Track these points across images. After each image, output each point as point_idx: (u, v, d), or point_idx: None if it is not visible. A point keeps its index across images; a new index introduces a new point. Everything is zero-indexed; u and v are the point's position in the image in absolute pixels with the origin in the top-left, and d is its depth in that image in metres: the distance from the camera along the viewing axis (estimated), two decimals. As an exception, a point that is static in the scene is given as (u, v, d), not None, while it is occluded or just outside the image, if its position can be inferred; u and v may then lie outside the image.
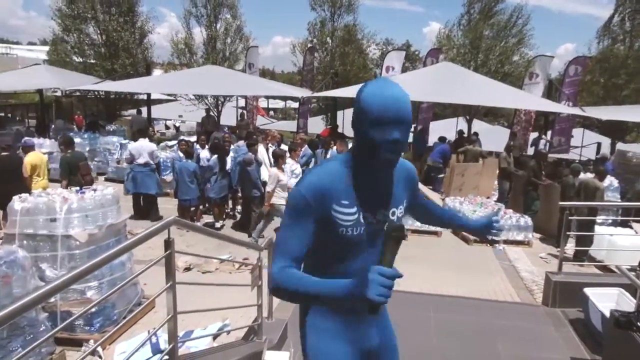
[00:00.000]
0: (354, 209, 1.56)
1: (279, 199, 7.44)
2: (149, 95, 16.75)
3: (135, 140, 12.75)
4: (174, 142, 12.55)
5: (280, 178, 7.52)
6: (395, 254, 1.34)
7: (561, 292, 5.48)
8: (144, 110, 16.89)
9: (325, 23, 20.93)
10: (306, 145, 9.86)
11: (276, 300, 4.91)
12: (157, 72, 22.37)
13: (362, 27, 22.01)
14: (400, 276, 1.30)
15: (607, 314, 4.22)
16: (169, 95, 21.73)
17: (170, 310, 2.62)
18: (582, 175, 8.28)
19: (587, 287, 4.99)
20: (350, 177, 1.57)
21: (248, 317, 5.08)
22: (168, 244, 2.54)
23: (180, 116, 20.06)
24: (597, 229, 7.88)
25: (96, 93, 18.91)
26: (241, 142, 9.68)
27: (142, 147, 9.12)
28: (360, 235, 1.58)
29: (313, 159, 10.16)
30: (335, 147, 8.74)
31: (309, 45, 20.34)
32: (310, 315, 1.69)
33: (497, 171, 11.17)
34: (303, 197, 1.52)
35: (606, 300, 4.74)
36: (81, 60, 19.62)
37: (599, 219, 8.39)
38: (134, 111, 18.14)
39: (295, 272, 1.51)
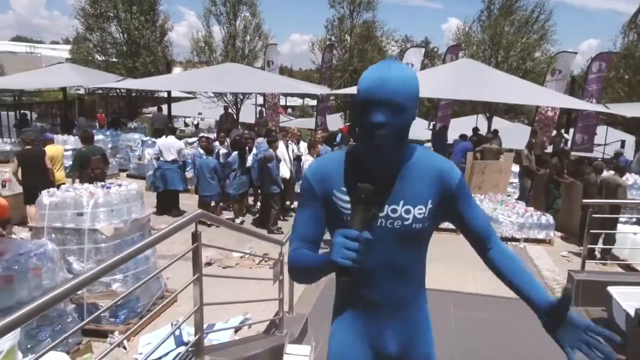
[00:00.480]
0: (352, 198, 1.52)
1: None
2: (169, 92, 16.97)
3: (155, 137, 13.00)
4: (194, 139, 12.70)
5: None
6: (364, 215, 1.32)
7: (584, 290, 5.42)
8: (165, 107, 17.12)
9: (344, 20, 20.92)
10: (324, 144, 9.93)
11: (297, 295, 4.97)
12: (177, 70, 22.65)
13: (381, 24, 22.00)
14: (369, 240, 1.26)
15: (632, 313, 4.17)
16: (188, 93, 22.00)
17: (197, 302, 2.68)
18: (604, 173, 8.16)
19: (611, 286, 4.93)
20: (352, 165, 1.54)
21: (269, 312, 5.16)
22: (195, 237, 2.60)
23: (200, 113, 20.28)
24: (621, 227, 7.77)
25: (118, 91, 19.23)
26: (260, 139, 9.76)
27: (171, 145, 9.29)
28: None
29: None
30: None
31: (328, 42, 20.35)
32: (338, 308, 1.71)
33: (518, 168, 11.09)
34: (308, 181, 1.56)
35: (631, 299, 4.67)
36: (103, 58, 19.97)
37: (622, 217, 8.26)
38: (154, 109, 18.40)
39: (302, 251, 1.54)
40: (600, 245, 7.42)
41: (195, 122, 24.40)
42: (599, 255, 7.21)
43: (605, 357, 1.31)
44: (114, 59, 19.71)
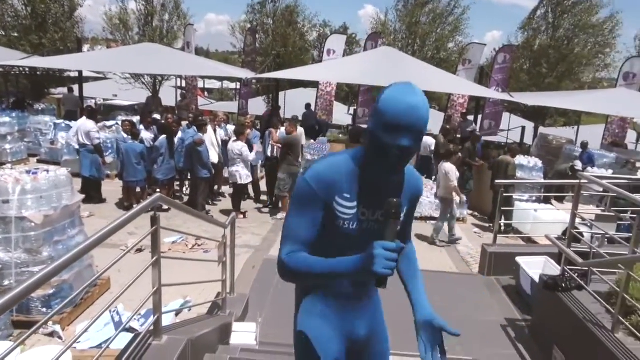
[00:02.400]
0: (354, 204, 1.60)
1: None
2: (80, 72, 15.96)
3: (67, 120, 12.24)
4: (112, 122, 12.14)
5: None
6: (395, 229, 1.42)
7: (496, 262, 6.07)
8: (76, 88, 16.08)
9: (266, 4, 20.76)
10: (253, 128, 10.01)
11: (237, 276, 5.11)
12: (87, 48, 21.25)
13: (303, 9, 22.09)
14: (403, 248, 1.41)
15: (536, 279, 4.78)
16: (98, 73, 20.73)
17: (155, 284, 2.75)
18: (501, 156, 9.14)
19: (519, 257, 5.58)
20: (356, 172, 1.61)
21: (207, 294, 5.24)
22: (154, 220, 2.66)
23: (115, 95, 19.28)
24: (524, 205, 8.67)
25: (20, 70, 17.70)
26: (184, 123, 9.65)
27: (79, 127, 8.85)
28: (355, 230, 1.62)
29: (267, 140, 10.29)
30: (284, 129, 8.89)
31: (249, 26, 20.12)
32: (303, 300, 1.78)
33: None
34: (310, 186, 1.56)
35: (534, 268, 5.34)
36: (3, 33, 18.24)
37: (525, 195, 9.23)
38: (64, 89, 17.21)
39: (305, 255, 1.56)
40: (506, 221, 8.27)
41: (97, 103, 21.93)
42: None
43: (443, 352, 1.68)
44: (16, 34, 18.05)
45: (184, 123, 10.40)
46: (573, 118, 19.80)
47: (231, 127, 10.70)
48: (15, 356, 2.86)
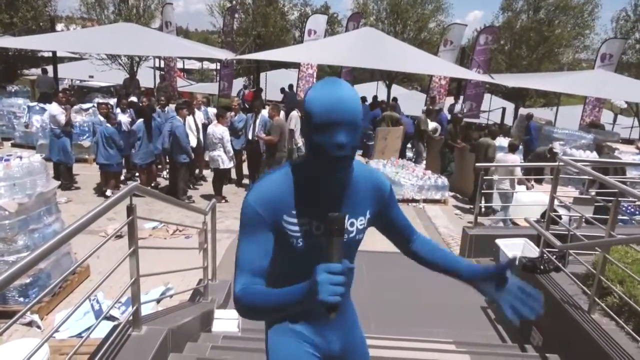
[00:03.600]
0: (305, 219, 1.48)
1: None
2: (54, 53, 15.50)
3: (42, 102, 11.92)
4: (89, 104, 11.85)
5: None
6: (340, 248, 1.26)
7: (476, 244, 6.13)
8: (50, 69, 15.63)
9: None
10: (240, 112, 9.86)
11: (219, 262, 5.07)
12: (61, 27, 20.61)
13: (283, -13, 21.70)
14: (351, 268, 1.24)
15: (516, 261, 4.84)
16: (74, 53, 20.17)
17: (134, 274, 2.70)
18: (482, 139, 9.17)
19: (499, 239, 5.65)
20: (300, 184, 1.48)
21: (188, 281, 5.21)
22: (130, 210, 2.60)
23: (91, 76, 18.80)
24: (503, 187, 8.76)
25: (-9, 49, 17.14)
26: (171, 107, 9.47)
27: (49, 110, 8.73)
28: (311, 246, 1.48)
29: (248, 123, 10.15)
30: (267, 113, 8.77)
31: (229, 5, 19.72)
32: (277, 320, 1.66)
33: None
34: (253, 209, 1.44)
35: (514, 249, 5.41)
36: (-29, 11, 17.55)
37: (506, 178, 9.31)
38: (38, 70, 16.72)
39: (257, 288, 1.42)
40: (485, 203, 8.36)
41: (70, 85, 21.05)
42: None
43: (535, 312, 1.51)
44: (-15, 13, 17.39)
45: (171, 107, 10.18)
46: (553, 99, 20.02)
47: (212, 110, 10.53)
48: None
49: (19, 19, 16.56)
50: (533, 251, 5.13)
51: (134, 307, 2.75)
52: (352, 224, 1.56)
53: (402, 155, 11.93)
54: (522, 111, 18.03)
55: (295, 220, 1.46)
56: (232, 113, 9.53)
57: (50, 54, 15.92)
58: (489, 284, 1.59)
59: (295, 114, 9.24)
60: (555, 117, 17.72)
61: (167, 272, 3.56)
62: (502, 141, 10.31)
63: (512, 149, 8.26)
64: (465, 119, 14.00)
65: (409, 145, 12.56)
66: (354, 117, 1.37)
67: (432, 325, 4.54)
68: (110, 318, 4.23)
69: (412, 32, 18.88)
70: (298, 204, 1.47)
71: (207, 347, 3.30)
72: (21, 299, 4.58)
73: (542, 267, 4.27)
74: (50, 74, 15.39)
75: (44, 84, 14.74)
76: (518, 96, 19.20)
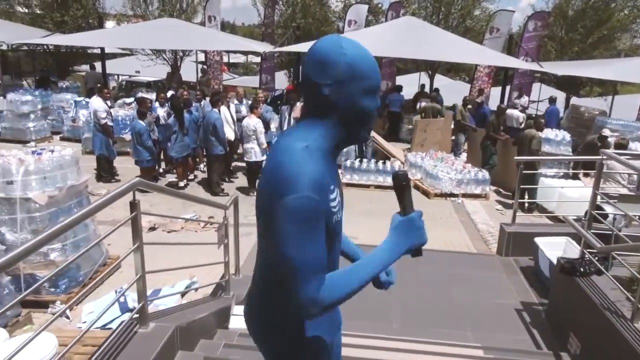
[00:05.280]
0: (336, 191, 1.39)
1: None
2: (102, 49, 16.01)
3: (89, 97, 12.33)
4: (132, 99, 12.15)
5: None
6: (411, 198, 1.41)
7: (514, 242, 5.80)
8: (98, 65, 16.17)
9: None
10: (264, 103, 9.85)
11: (243, 257, 5.02)
12: (109, 24, 21.27)
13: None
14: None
15: (555, 262, 4.52)
16: (123, 49, 20.77)
17: (139, 271, 2.66)
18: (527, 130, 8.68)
19: (538, 237, 5.31)
20: (327, 155, 1.37)
21: (215, 275, 5.19)
22: (133, 205, 2.55)
23: (138, 72, 19.32)
24: (549, 181, 8.28)
25: (45, 47, 17.89)
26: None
27: (90, 105, 8.97)
28: (341, 218, 1.42)
29: (278, 117, 10.11)
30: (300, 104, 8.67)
31: (271, -4, 19.67)
32: (303, 332, 1.50)
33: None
34: (314, 200, 1.24)
35: (554, 249, 5.06)
36: (27, 11, 18.40)
37: (550, 171, 8.81)
38: (88, 67, 17.35)
39: (332, 277, 1.29)
40: (529, 199, 7.93)
41: (121, 82, 21.83)
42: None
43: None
44: (39, 12, 18.17)
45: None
46: (610, 88, 18.81)
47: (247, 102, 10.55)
48: (4, 340, 2.84)
49: (69, 17, 17.20)
50: (575, 251, 4.78)
51: (140, 304, 2.71)
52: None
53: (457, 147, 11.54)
54: (574, 101, 17.10)
55: (332, 196, 1.36)
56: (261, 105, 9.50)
57: (99, 51, 16.44)
58: None
59: None
60: (610, 107, 16.64)
61: (173, 268, 3.51)
62: (549, 133, 9.71)
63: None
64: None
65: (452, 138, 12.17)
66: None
67: (460, 327, 4.30)
68: (132, 311, 4.27)
69: (455, 20, 18.19)
70: (331, 177, 1.37)
71: (219, 345, 3.23)
72: (52, 290, 4.71)
73: (581, 269, 3.96)
74: (99, 69, 15.92)
75: (92, 79, 15.26)
76: (571, 85, 18.16)
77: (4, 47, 17.47)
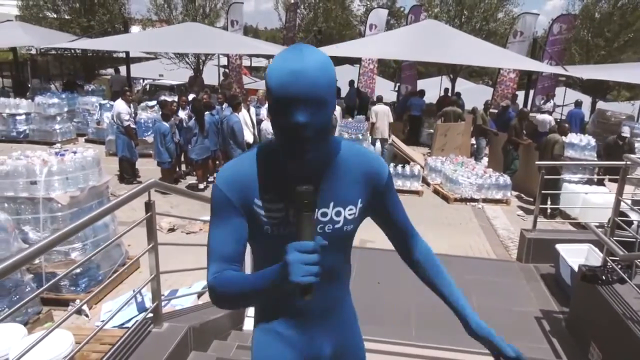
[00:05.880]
0: (281, 205, 1.32)
1: None
2: (127, 53, 16.33)
3: (114, 100, 12.58)
4: (154, 102, 12.35)
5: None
6: (311, 224, 1.17)
7: (535, 248, 5.69)
8: (123, 69, 16.49)
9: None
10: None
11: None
12: (135, 28, 21.69)
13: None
14: (324, 245, 1.16)
15: (576, 269, 4.42)
16: (148, 53, 21.14)
17: (153, 270, 2.69)
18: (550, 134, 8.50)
19: (559, 244, 5.19)
20: (275, 166, 1.33)
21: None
22: (148, 206, 2.58)
23: (161, 75, 19.63)
24: (573, 187, 8.10)
25: (73, 51, 18.35)
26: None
27: (114, 108, 9.17)
28: (288, 235, 1.27)
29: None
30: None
31: (292, 1, 19.83)
32: (261, 316, 1.52)
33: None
34: (220, 191, 1.31)
35: (576, 256, 4.95)
36: (55, 16, 18.90)
37: (574, 177, 8.62)
38: (113, 70, 17.71)
39: (229, 274, 1.29)
40: (551, 205, 7.77)
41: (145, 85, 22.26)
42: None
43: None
44: (67, 17, 18.66)
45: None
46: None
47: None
48: (22, 336, 2.90)
49: (96, 22, 17.61)
50: (598, 259, 4.67)
51: (154, 304, 2.74)
52: (338, 213, 1.37)
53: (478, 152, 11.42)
54: (601, 105, 16.72)
55: (268, 205, 1.31)
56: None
57: (124, 55, 16.78)
58: (486, 343, 1.48)
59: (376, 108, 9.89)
60: (638, 112, 16.25)
61: (189, 269, 3.54)
62: (573, 137, 9.51)
63: None
64: (534, 114, 13.21)
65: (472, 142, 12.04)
66: (316, 92, 1.16)
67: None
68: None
69: (478, 22, 18.01)
70: (270, 188, 1.32)
71: (232, 347, 3.25)
72: (72, 288, 4.80)
73: (604, 277, 3.85)
74: (124, 73, 16.24)
75: (117, 82, 15.56)
76: (597, 89, 17.78)
77: (33, 52, 17.99)
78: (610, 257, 4.00)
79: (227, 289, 1.27)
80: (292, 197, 1.19)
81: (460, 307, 1.52)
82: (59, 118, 11.95)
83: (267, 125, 8.19)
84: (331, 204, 1.36)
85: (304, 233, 1.14)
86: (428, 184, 9.69)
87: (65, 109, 12.26)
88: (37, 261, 4.67)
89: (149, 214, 2.59)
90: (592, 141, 9.61)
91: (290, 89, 1.15)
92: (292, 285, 1.10)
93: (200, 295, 4.96)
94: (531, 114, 11.53)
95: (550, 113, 12.82)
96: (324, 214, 1.36)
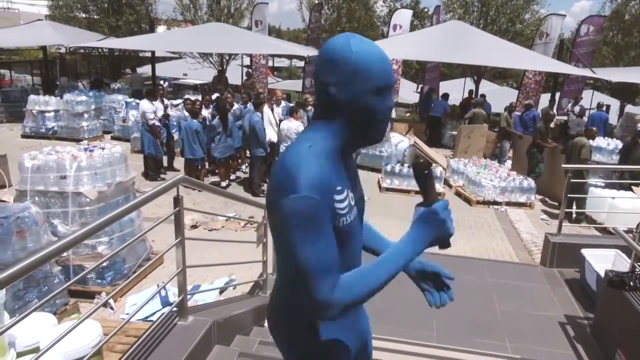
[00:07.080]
0: (345, 193, 1.33)
1: None
2: (153, 52, 16.60)
3: (135, 98, 12.81)
4: (179, 101, 12.52)
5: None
6: (435, 188, 1.37)
7: (559, 252, 5.60)
8: (140, 68, 16.80)
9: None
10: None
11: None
12: (161, 28, 22.04)
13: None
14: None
15: (602, 274, 4.34)
16: (173, 53, 21.46)
17: (180, 265, 2.74)
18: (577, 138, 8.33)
19: (585, 249, 5.10)
20: (336, 156, 1.33)
21: (254, 273, 5.26)
22: (177, 201, 2.63)
23: (185, 74, 19.91)
24: (599, 191, 7.94)
25: (100, 50, 18.75)
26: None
27: (140, 108, 9.33)
28: (354, 221, 1.35)
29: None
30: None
31: (317, 1, 19.87)
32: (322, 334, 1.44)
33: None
34: (314, 199, 1.21)
35: (602, 261, 4.86)
36: (85, 16, 19.33)
37: (601, 181, 8.46)
38: (140, 69, 18.04)
39: (349, 277, 1.27)
40: (577, 209, 7.62)
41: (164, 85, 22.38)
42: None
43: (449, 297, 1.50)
44: (96, 17, 19.07)
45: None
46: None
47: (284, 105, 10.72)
48: (53, 325, 2.98)
49: (123, 22, 17.95)
50: (625, 264, 4.57)
51: (180, 297, 2.79)
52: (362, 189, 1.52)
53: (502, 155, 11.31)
54: (629, 109, 16.34)
55: (340, 197, 1.30)
56: (310, 108, 9.54)
57: (150, 54, 17.07)
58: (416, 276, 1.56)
59: None
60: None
61: (214, 264, 3.59)
62: (601, 141, 9.32)
63: None
64: (560, 117, 13.01)
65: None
66: None
67: (500, 338, 4.18)
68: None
69: (503, 23, 17.79)
70: (339, 179, 1.31)
71: (255, 342, 3.28)
72: (98, 281, 4.91)
73: (631, 283, 3.77)
74: (143, 72, 16.53)
75: (136, 81, 15.87)
76: (626, 92, 17.38)
77: (62, 50, 18.41)
78: (639, 263, 3.92)
79: (359, 291, 1.25)
80: (414, 173, 1.35)
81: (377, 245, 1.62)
82: (86, 115, 12.21)
83: (289, 126, 8.22)
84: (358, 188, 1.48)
85: (432, 196, 1.33)
86: (450, 186, 9.61)
87: (92, 107, 12.53)
88: (65, 254, 4.79)
89: (177, 209, 2.64)
90: (620, 145, 9.40)
91: (390, 74, 1.30)
92: (449, 237, 1.31)
93: (222, 291, 5.03)
94: (557, 117, 11.35)
95: (581, 116, 12.57)
96: (362, 198, 1.47)
